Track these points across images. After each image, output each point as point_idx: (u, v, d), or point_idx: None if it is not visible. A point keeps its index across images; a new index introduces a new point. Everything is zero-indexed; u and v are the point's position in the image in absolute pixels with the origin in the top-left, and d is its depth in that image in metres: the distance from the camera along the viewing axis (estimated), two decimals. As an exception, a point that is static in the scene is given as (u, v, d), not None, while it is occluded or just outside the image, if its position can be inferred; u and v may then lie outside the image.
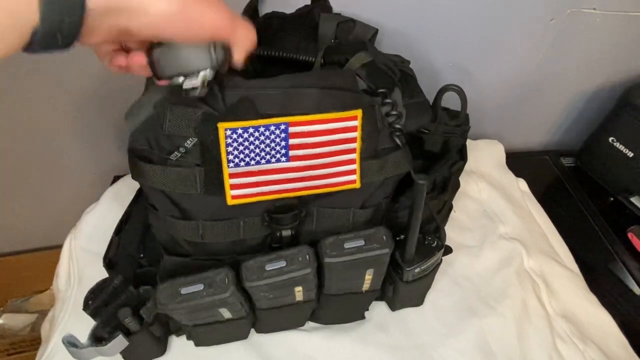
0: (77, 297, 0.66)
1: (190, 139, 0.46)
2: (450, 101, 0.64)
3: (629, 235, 0.86)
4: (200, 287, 0.47)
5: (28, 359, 0.98)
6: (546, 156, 1.07)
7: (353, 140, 0.50)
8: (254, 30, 0.40)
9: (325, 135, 0.48)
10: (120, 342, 0.51)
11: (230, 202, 0.49)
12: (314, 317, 0.64)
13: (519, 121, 1.04)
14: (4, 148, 0.84)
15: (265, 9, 0.72)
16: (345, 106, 0.48)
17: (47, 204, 0.97)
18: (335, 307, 0.61)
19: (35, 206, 0.97)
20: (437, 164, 0.67)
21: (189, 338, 0.61)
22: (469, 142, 0.83)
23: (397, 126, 0.51)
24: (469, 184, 0.85)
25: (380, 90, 0.51)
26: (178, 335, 0.62)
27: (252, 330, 0.63)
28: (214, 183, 0.48)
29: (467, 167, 0.70)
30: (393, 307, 0.67)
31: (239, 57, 0.40)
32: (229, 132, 0.45)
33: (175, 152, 0.46)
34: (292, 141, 0.48)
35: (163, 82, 0.41)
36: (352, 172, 0.51)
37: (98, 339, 0.50)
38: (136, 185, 0.67)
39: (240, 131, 0.46)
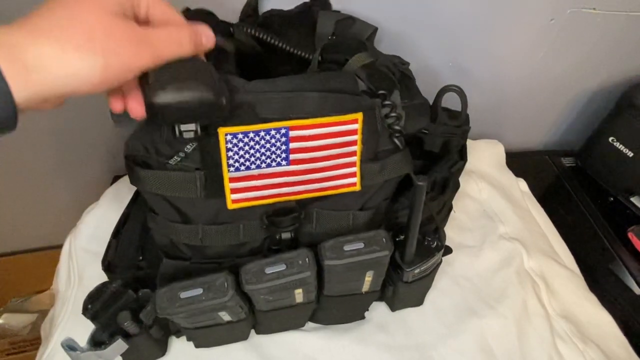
0: (77, 297, 0.66)
1: (190, 143, 0.46)
2: (450, 101, 0.64)
3: (629, 235, 0.86)
4: (199, 291, 0.47)
5: (28, 359, 0.98)
6: (546, 156, 1.07)
7: (353, 143, 0.49)
8: (191, 29, 0.38)
9: (326, 139, 0.48)
10: (119, 345, 0.51)
11: (230, 206, 0.49)
12: (314, 318, 0.64)
13: (519, 121, 1.03)
14: (4, 148, 0.84)
15: (264, 6, 0.72)
16: (346, 109, 0.48)
17: (47, 204, 0.97)
18: (336, 308, 0.61)
19: (35, 206, 0.97)
20: (437, 164, 0.67)
21: (189, 339, 0.61)
22: (469, 142, 0.82)
23: (397, 128, 0.51)
24: (469, 184, 0.85)
25: (380, 92, 0.51)
26: (178, 336, 0.62)
27: (252, 331, 0.63)
28: (215, 187, 0.48)
29: (467, 167, 0.70)
30: (393, 307, 0.67)
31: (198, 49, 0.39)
32: (229, 137, 0.45)
33: (175, 157, 0.46)
34: (292, 145, 0.47)
35: None
36: (353, 174, 0.51)
37: (97, 342, 0.50)
38: (136, 185, 0.67)
39: (240, 136, 0.45)
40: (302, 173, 0.49)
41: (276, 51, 0.60)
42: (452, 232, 0.77)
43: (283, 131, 0.46)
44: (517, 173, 0.92)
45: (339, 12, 0.68)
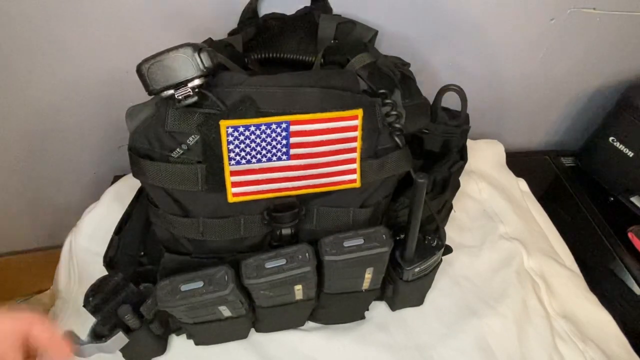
0: (77, 296, 0.66)
1: (193, 136, 0.46)
2: (450, 101, 0.64)
3: (629, 235, 0.86)
4: (200, 284, 0.47)
5: (28, 359, 0.98)
6: (546, 156, 1.07)
7: (354, 139, 0.50)
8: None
9: (326, 134, 0.49)
10: (120, 338, 0.51)
11: (231, 199, 0.49)
12: (314, 317, 0.64)
13: (519, 121, 1.04)
14: (3, 148, 0.84)
15: (264, 10, 0.73)
16: (346, 106, 0.48)
17: (47, 204, 0.97)
18: (336, 306, 0.61)
19: (36, 206, 0.97)
20: (437, 163, 0.67)
21: (189, 337, 0.61)
22: (469, 142, 0.83)
23: (397, 126, 0.52)
24: (469, 184, 0.85)
25: (381, 91, 0.51)
26: (178, 334, 0.62)
27: (252, 330, 0.63)
28: (216, 180, 0.48)
29: (467, 167, 0.70)
30: (393, 306, 0.67)
31: None
32: (230, 130, 0.46)
33: (178, 149, 0.47)
34: (293, 140, 0.48)
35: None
36: (353, 171, 0.51)
37: (98, 335, 0.50)
38: (137, 185, 0.68)
39: (241, 129, 0.46)
40: (302, 168, 0.50)
41: (278, 61, 0.62)
42: (452, 232, 0.77)
43: (284, 125, 0.47)
44: (517, 173, 0.92)
45: (339, 15, 0.68)
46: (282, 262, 0.49)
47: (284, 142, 0.48)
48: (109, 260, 0.60)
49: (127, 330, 0.52)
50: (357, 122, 0.49)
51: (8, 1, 0.64)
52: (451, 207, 0.74)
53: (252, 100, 0.46)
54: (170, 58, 0.41)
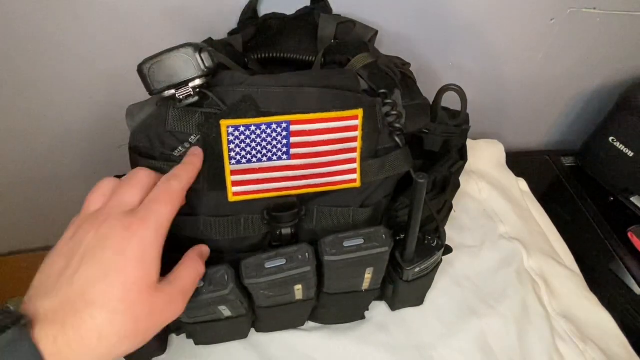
0: (77, 296, 0.66)
1: (194, 135, 0.46)
2: (450, 101, 0.64)
3: (629, 235, 0.86)
4: (200, 283, 0.47)
5: (28, 358, 0.98)
6: (546, 156, 1.07)
7: (354, 139, 0.50)
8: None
9: (326, 134, 0.49)
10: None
11: (231, 198, 0.49)
12: (314, 317, 0.64)
13: (519, 121, 1.04)
14: (3, 148, 0.84)
15: (264, 10, 0.73)
16: (347, 106, 0.48)
17: (47, 204, 0.97)
18: (336, 306, 0.61)
19: (36, 206, 0.97)
20: (437, 163, 0.67)
21: (188, 337, 0.61)
22: (469, 142, 0.82)
23: (398, 126, 0.52)
24: (469, 184, 0.85)
25: (381, 91, 0.51)
26: (178, 334, 0.62)
27: (252, 329, 0.63)
28: (216, 179, 0.48)
29: (467, 167, 0.70)
30: (393, 306, 0.67)
31: None
32: (231, 130, 0.46)
33: (180, 148, 0.47)
34: (293, 139, 0.48)
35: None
36: (353, 171, 0.51)
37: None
38: (136, 184, 0.67)
39: (242, 129, 0.46)
40: (303, 168, 0.50)
41: (278, 61, 0.62)
42: (452, 231, 0.76)
43: (284, 125, 0.47)
44: (517, 173, 0.92)
45: (339, 15, 0.68)
46: (282, 262, 0.49)
47: (285, 141, 0.48)
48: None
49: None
50: (358, 122, 0.49)
51: (8, 1, 0.64)
52: (451, 207, 0.74)
53: (253, 99, 0.46)
54: (171, 58, 0.42)
